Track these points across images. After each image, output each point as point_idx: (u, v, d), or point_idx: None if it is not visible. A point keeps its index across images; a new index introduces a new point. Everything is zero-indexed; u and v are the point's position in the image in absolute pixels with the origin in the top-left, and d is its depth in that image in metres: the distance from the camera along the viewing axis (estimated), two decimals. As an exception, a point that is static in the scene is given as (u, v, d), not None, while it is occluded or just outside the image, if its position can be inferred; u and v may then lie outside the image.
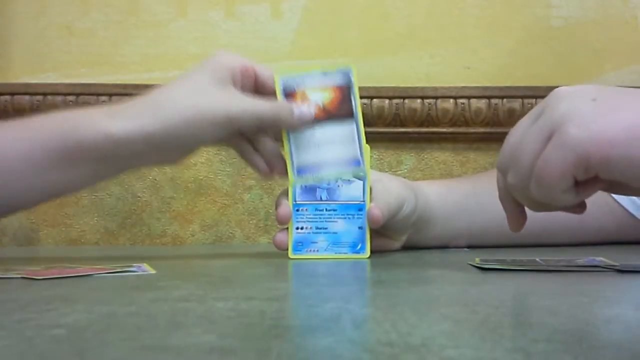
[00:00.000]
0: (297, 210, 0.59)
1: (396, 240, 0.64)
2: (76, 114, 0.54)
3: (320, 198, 0.59)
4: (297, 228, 0.59)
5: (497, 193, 0.72)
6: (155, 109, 0.52)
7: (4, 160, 0.52)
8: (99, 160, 0.52)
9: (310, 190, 0.59)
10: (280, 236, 0.59)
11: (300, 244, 0.58)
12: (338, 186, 0.59)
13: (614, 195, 0.71)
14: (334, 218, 0.59)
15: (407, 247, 0.65)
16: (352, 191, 0.59)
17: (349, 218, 0.59)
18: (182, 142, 0.53)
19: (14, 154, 0.52)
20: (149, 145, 0.52)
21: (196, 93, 0.53)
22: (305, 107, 0.56)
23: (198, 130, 0.52)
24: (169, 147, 0.53)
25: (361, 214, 0.58)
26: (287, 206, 0.58)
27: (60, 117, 0.54)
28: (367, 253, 0.58)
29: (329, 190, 0.59)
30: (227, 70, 0.54)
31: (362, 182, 0.59)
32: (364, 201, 0.59)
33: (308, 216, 0.59)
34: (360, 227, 0.58)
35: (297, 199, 0.59)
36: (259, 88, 0.57)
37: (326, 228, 0.59)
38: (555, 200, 0.43)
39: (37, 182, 0.52)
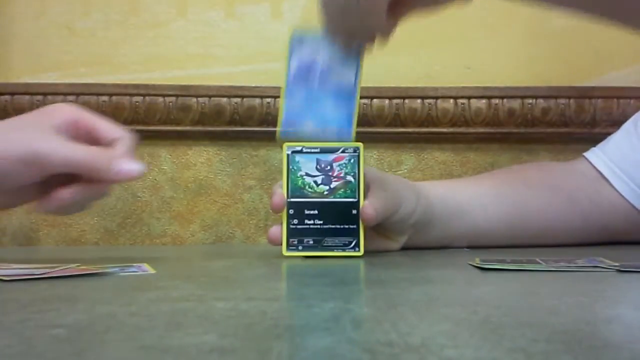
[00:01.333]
0: (291, 206, 0.59)
1: (395, 241, 0.64)
2: None
3: (315, 194, 0.59)
4: (291, 223, 0.59)
5: (498, 193, 0.72)
6: None
7: None
8: None
9: (303, 75, 0.59)
10: (274, 231, 0.59)
11: (294, 241, 0.58)
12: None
13: (623, 194, 0.71)
14: (329, 215, 0.59)
15: (407, 248, 0.65)
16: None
17: (343, 216, 0.59)
18: None
19: None
20: None
21: (10, 130, 0.51)
22: (134, 163, 0.52)
23: (3, 166, 0.49)
24: None
25: (355, 211, 0.58)
26: (281, 195, 0.58)
27: None
28: (361, 251, 0.58)
29: (321, 74, 0.59)
30: (57, 118, 0.52)
31: (356, 179, 0.59)
32: (357, 198, 0.59)
33: (302, 212, 0.59)
34: (354, 230, 0.58)
35: (290, 197, 0.59)
36: (94, 143, 0.54)
37: (320, 224, 0.59)
38: (368, 21, 0.48)
39: None
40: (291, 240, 0.58)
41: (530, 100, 0.90)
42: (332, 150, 0.59)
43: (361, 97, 0.89)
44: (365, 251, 0.59)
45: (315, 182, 0.59)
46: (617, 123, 0.81)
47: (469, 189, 0.72)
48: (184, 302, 0.35)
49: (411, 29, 0.93)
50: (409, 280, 0.44)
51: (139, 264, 0.51)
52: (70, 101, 0.88)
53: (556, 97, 0.90)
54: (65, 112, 0.53)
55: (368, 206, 0.57)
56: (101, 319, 0.31)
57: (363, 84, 0.90)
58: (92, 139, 0.54)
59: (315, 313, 0.31)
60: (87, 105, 0.88)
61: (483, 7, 0.92)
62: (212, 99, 0.88)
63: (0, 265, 0.49)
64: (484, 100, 0.89)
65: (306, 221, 0.59)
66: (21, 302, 0.35)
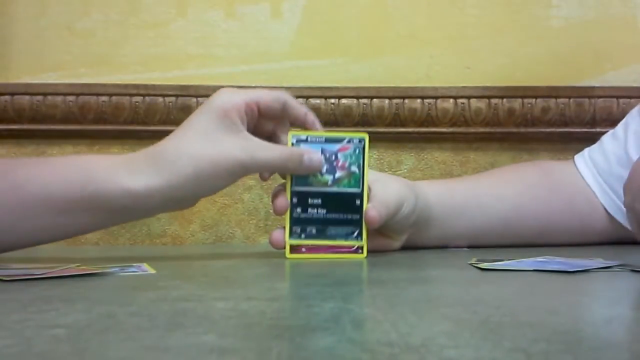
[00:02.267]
0: (295, 198, 0.59)
1: (395, 240, 0.64)
2: (98, 163, 0.55)
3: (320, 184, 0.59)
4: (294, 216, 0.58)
5: (497, 193, 0.72)
6: (171, 163, 0.53)
7: (23, 197, 0.53)
8: (114, 211, 0.54)
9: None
10: (277, 235, 0.59)
11: (297, 226, 0.58)
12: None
13: (611, 212, 0.71)
14: (332, 210, 0.58)
15: (407, 247, 0.65)
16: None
17: (346, 215, 0.58)
18: (197, 192, 0.55)
19: (34, 192, 0.53)
20: (165, 198, 0.53)
21: (207, 142, 0.54)
22: (315, 154, 0.57)
23: (212, 180, 0.54)
24: (185, 198, 0.55)
25: (359, 209, 0.58)
26: (284, 198, 0.58)
27: (82, 163, 0.55)
28: (365, 253, 0.58)
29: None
30: (233, 112, 0.55)
31: (360, 178, 0.59)
32: (361, 190, 0.58)
33: (306, 204, 0.58)
34: (356, 220, 0.58)
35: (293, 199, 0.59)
36: (262, 115, 0.57)
37: (323, 222, 0.58)
38: None
39: (51, 223, 0.53)
40: (294, 228, 0.58)
41: (530, 100, 0.90)
42: (337, 140, 0.59)
43: (361, 97, 0.90)
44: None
45: (319, 171, 0.59)
46: (617, 123, 0.81)
47: (467, 188, 0.72)
48: (184, 302, 0.35)
49: (411, 29, 0.93)
50: (409, 280, 0.44)
51: (139, 264, 0.51)
52: (70, 101, 0.88)
53: (556, 97, 0.90)
54: (237, 101, 0.55)
55: (372, 209, 0.57)
56: (101, 319, 0.31)
57: (363, 84, 0.90)
58: (256, 115, 0.57)
59: (315, 313, 0.31)
60: (87, 105, 0.88)
61: (483, 7, 0.92)
62: (212, 99, 0.88)
63: None
64: (483, 100, 0.89)
65: (309, 210, 0.58)
66: (21, 302, 0.35)
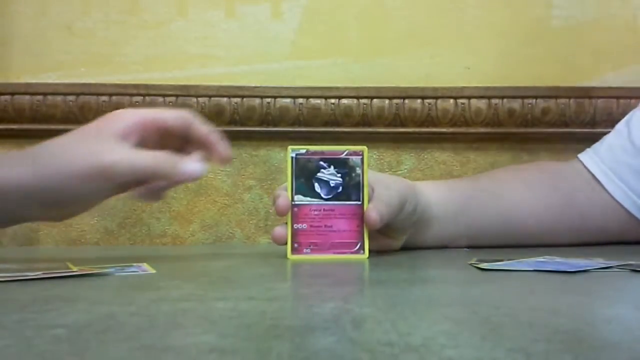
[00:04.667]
0: (296, 209, 0.59)
1: (396, 240, 0.64)
2: None
3: (320, 196, 0.59)
4: (296, 226, 0.59)
5: (497, 192, 0.72)
6: (33, 160, 0.51)
7: None
8: None
9: (309, 189, 0.59)
10: (279, 230, 0.59)
11: (298, 244, 0.58)
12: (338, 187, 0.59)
13: (617, 198, 0.71)
14: (333, 218, 0.59)
15: (407, 248, 0.65)
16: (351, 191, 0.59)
17: (347, 218, 0.59)
18: (58, 196, 0.51)
19: None
20: (23, 196, 0.50)
21: (74, 145, 0.52)
22: (196, 164, 0.53)
23: (71, 182, 0.50)
24: (47, 200, 0.51)
25: (359, 214, 0.58)
26: (285, 198, 0.58)
27: None
28: (366, 254, 0.58)
29: (328, 190, 0.59)
30: (119, 124, 0.52)
31: (360, 182, 0.59)
32: (361, 201, 0.59)
33: (307, 215, 0.59)
34: (358, 227, 0.58)
35: (295, 199, 0.59)
36: (168, 134, 0.55)
37: (324, 227, 0.59)
38: None
39: None
40: (295, 243, 0.58)
41: (530, 100, 0.90)
42: (337, 154, 0.59)
43: (361, 97, 0.90)
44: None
45: (319, 184, 0.59)
46: (617, 123, 0.81)
47: (467, 188, 0.72)
48: (184, 302, 0.35)
49: (411, 29, 0.94)
50: (409, 280, 0.44)
51: (138, 264, 0.51)
52: (70, 101, 0.88)
53: (556, 97, 0.90)
54: (127, 116, 0.53)
55: (372, 210, 0.57)
56: (101, 319, 0.31)
57: (363, 84, 0.90)
58: (164, 135, 0.54)
59: (315, 313, 0.31)
60: (87, 105, 0.88)
61: (483, 7, 0.92)
62: (212, 99, 0.88)
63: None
64: (484, 100, 0.89)
65: (310, 224, 0.59)
66: (21, 302, 0.35)
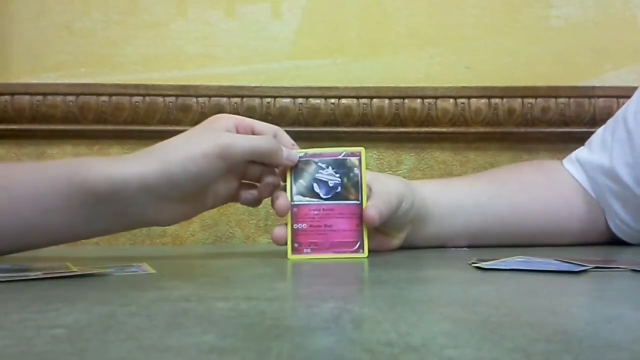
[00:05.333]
0: (295, 209, 0.59)
1: (395, 238, 0.64)
2: (82, 160, 0.57)
3: (319, 196, 0.59)
4: (295, 226, 0.59)
5: (494, 192, 0.72)
6: (152, 154, 0.54)
7: (9, 197, 0.52)
8: (98, 203, 0.53)
9: (308, 189, 0.59)
10: (278, 231, 0.59)
11: (299, 244, 0.58)
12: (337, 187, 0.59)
13: (607, 218, 0.71)
14: (332, 217, 0.59)
15: (407, 248, 0.65)
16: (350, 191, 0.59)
17: (346, 218, 0.59)
18: (175, 182, 0.54)
19: (20, 193, 0.53)
20: (144, 188, 0.53)
21: (189, 138, 0.56)
22: (293, 152, 0.59)
23: (189, 164, 0.54)
24: (165, 190, 0.54)
25: (358, 213, 0.58)
26: (285, 199, 0.58)
27: (66, 162, 0.57)
28: (366, 253, 0.58)
29: (327, 190, 0.59)
30: (222, 122, 0.58)
31: (358, 182, 0.59)
32: (360, 201, 0.59)
33: (306, 215, 0.59)
34: (357, 227, 0.58)
35: (294, 200, 0.59)
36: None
37: (324, 227, 0.59)
38: None
39: (41, 223, 0.53)
40: (295, 243, 0.58)
41: (530, 100, 0.90)
42: (334, 155, 0.60)
43: (361, 97, 0.90)
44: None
45: (318, 185, 0.59)
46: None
47: (463, 187, 0.72)
48: (184, 302, 0.35)
49: (411, 29, 0.94)
50: (409, 280, 0.44)
51: (138, 264, 0.51)
52: (70, 101, 0.88)
53: (556, 97, 0.90)
54: (227, 117, 0.59)
55: (371, 208, 0.57)
56: (101, 319, 0.30)
57: (363, 84, 0.90)
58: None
59: (315, 313, 0.31)
60: (87, 105, 0.88)
61: (483, 7, 0.92)
62: (212, 99, 0.88)
63: None
64: (483, 100, 0.89)
65: (310, 224, 0.59)
66: (21, 302, 0.35)
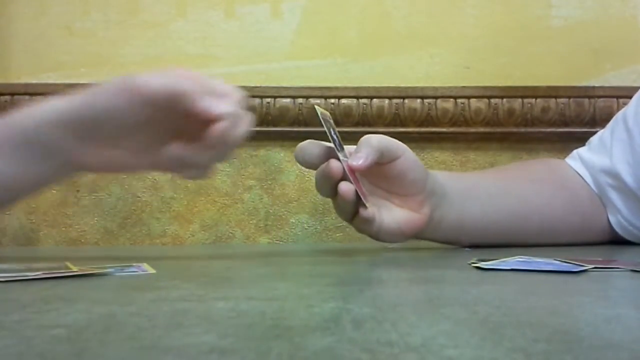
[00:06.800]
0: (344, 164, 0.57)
1: (419, 214, 0.62)
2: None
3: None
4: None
5: (503, 186, 0.71)
6: (81, 92, 0.53)
7: None
8: (26, 142, 0.52)
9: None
10: (345, 186, 0.56)
11: (363, 195, 0.57)
12: None
13: (609, 215, 0.72)
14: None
15: (429, 239, 0.65)
16: None
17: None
18: (87, 117, 0.51)
19: None
20: (60, 122, 0.51)
21: (116, 78, 0.53)
22: (226, 105, 0.51)
23: (100, 98, 0.51)
24: (80, 127, 0.51)
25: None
26: (335, 162, 0.56)
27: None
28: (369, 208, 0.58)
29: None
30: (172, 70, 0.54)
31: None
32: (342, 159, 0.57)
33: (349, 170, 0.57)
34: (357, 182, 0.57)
35: (341, 158, 0.57)
36: None
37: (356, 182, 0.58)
38: None
39: None
40: (360, 195, 0.57)
41: (530, 100, 0.90)
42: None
43: (361, 97, 0.90)
44: (392, 230, 0.59)
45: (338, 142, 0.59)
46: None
47: (474, 178, 0.71)
48: (184, 302, 0.35)
49: (411, 29, 0.93)
50: (409, 280, 0.44)
51: (138, 264, 0.51)
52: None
53: (556, 97, 0.90)
54: (183, 70, 0.54)
55: (354, 156, 0.56)
56: (101, 319, 0.31)
57: (363, 84, 0.90)
58: None
59: (315, 313, 0.31)
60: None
61: (483, 7, 0.92)
62: (212, 99, 0.88)
63: None
64: (483, 100, 0.89)
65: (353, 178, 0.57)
66: (21, 302, 0.35)
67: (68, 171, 0.56)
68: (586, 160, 0.74)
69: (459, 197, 0.66)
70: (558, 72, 0.91)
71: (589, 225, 0.71)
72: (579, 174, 0.73)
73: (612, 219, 0.71)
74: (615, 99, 0.89)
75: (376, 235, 0.61)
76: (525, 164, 0.79)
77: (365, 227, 0.59)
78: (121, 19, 0.91)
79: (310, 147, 0.59)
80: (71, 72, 0.90)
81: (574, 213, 0.71)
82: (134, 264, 0.51)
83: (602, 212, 0.72)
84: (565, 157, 0.78)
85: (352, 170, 0.57)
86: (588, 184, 0.73)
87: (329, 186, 0.57)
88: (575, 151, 0.76)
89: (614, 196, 0.71)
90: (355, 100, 0.89)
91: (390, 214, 0.61)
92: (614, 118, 0.75)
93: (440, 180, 0.64)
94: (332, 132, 0.59)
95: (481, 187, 0.69)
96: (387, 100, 0.89)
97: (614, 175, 0.70)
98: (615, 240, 0.72)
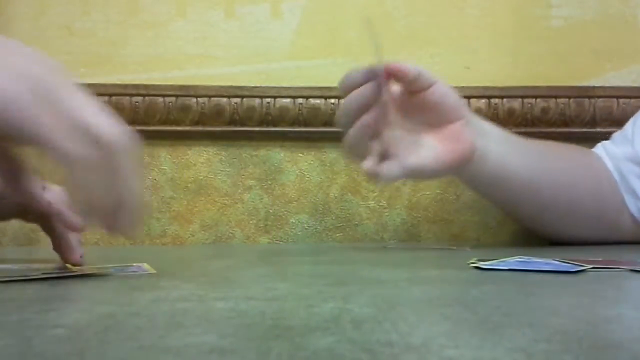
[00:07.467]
0: None
1: (464, 142, 0.62)
2: None
3: None
4: None
5: (539, 155, 0.69)
6: None
7: None
8: None
9: None
10: (370, 164, 0.56)
11: None
12: None
13: (626, 200, 0.72)
14: None
15: (469, 182, 0.64)
16: None
17: None
18: None
19: None
20: None
21: None
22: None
23: None
24: None
25: None
26: (371, 164, 0.58)
27: None
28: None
29: None
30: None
31: None
32: None
33: None
34: None
35: None
36: None
37: None
38: None
39: None
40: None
41: (530, 100, 0.89)
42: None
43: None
44: (425, 166, 0.60)
45: None
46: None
47: (512, 138, 0.71)
48: (184, 302, 0.35)
49: (411, 29, 0.93)
50: (409, 280, 0.44)
51: (139, 264, 0.51)
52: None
53: (556, 97, 0.90)
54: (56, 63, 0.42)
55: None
56: (101, 319, 0.30)
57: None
58: None
59: (315, 313, 0.31)
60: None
61: (483, 7, 0.92)
62: (212, 99, 0.88)
63: None
64: (483, 100, 0.89)
65: None
66: (21, 302, 0.35)
67: None
68: (609, 150, 0.75)
69: (499, 136, 0.66)
70: (558, 72, 0.91)
71: (605, 218, 0.72)
72: (602, 160, 0.74)
73: (632, 207, 0.72)
74: (615, 99, 0.89)
75: (409, 176, 0.61)
76: (554, 143, 0.79)
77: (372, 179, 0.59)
78: (121, 19, 0.91)
79: (354, 72, 0.59)
80: (71, 72, 0.90)
81: (594, 200, 0.72)
82: (134, 264, 0.51)
83: (620, 199, 0.72)
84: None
85: (389, 78, 0.57)
86: (610, 172, 0.73)
87: (356, 106, 0.57)
88: (599, 143, 0.77)
89: (637, 184, 0.71)
90: (355, 100, 0.89)
91: (421, 151, 0.60)
92: (634, 116, 0.76)
93: (485, 129, 0.65)
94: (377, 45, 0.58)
95: (521, 141, 0.69)
96: (387, 100, 0.89)
97: (638, 162, 0.71)
98: (622, 240, 0.72)
